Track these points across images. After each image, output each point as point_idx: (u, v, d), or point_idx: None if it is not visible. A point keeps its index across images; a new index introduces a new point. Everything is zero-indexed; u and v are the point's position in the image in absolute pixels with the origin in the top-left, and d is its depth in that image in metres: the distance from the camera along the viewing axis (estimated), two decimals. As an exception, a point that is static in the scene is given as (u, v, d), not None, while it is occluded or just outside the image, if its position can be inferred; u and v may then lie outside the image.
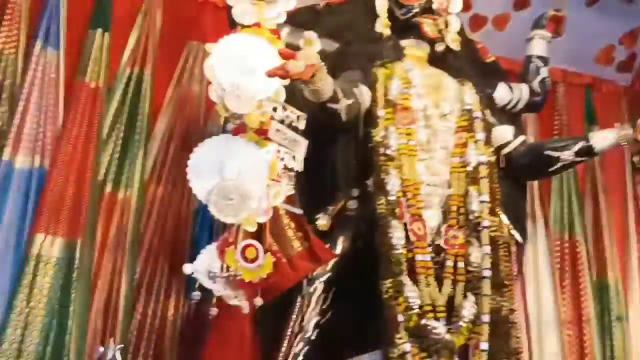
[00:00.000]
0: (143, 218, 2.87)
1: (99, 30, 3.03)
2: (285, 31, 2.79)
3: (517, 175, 2.86)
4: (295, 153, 2.24)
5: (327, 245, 2.55)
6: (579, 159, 2.74)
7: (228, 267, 2.19)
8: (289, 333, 2.40)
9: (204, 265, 2.18)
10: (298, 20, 2.91)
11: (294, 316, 2.43)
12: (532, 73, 3.20)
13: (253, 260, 2.25)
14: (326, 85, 2.20)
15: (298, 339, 2.39)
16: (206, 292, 2.21)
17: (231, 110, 2.33)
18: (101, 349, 2.22)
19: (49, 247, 2.65)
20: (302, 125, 2.28)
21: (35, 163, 2.76)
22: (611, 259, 3.77)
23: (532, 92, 3.15)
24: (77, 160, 2.79)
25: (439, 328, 2.29)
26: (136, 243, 2.81)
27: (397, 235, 2.38)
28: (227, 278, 2.19)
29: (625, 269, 3.86)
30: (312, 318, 2.42)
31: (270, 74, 2.00)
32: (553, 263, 3.63)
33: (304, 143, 2.24)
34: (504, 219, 2.72)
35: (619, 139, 2.66)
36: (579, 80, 4.19)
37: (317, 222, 2.58)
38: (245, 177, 2.28)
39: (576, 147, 2.72)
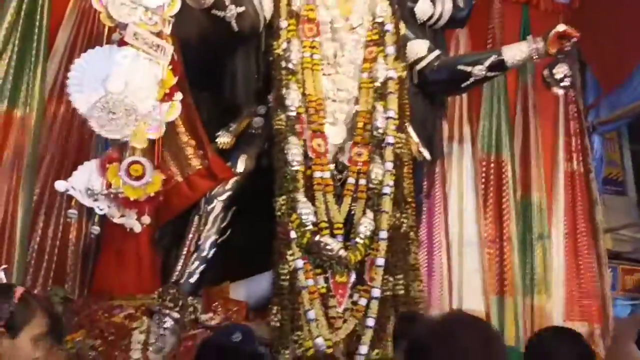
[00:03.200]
0: (42, 138, 2.74)
1: None
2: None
3: (431, 90, 2.79)
4: (159, 59, 2.11)
5: (228, 164, 2.48)
6: (491, 73, 2.67)
7: (110, 184, 2.11)
8: (184, 252, 2.36)
9: (82, 182, 2.08)
10: None
11: (190, 235, 2.38)
12: (455, -14, 3.08)
13: (139, 178, 2.16)
14: (207, -10, 2.07)
15: (194, 257, 2.35)
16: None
17: (116, 19, 2.18)
18: (-16, 270, 2.14)
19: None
20: (168, 30, 2.15)
21: None
22: (537, 179, 3.77)
23: (456, 7, 3.04)
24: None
25: (333, 244, 2.26)
26: (35, 164, 2.69)
27: (293, 152, 2.31)
28: (109, 196, 2.10)
29: (552, 188, 3.87)
30: (209, 237, 2.38)
31: None
32: (478, 182, 3.62)
33: (169, 49, 2.12)
34: (414, 136, 2.66)
35: (531, 52, 2.58)
36: (514, -4, 4.06)
37: (217, 140, 2.49)
38: (132, 91, 2.16)
39: (488, 62, 2.63)
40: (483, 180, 3.65)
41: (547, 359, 1.55)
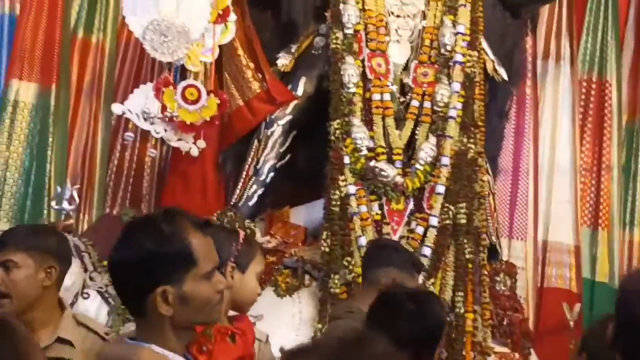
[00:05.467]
0: (117, 63, 2.81)
1: None
2: None
3: (512, 2, 2.52)
4: None
5: (289, 87, 2.42)
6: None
7: (165, 108, 2.13)
8: (243, 175, 2.37)
9: (138, 105, 2.12)
10: None
11: (249, 159, 2.38)
12: None
13: (194, 102, 2.16)
14: None
15: (252, 181, 2.36)
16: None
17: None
18: (59, 189, 2.28)
19: (24, 93, 2.68)
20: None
21: (6, 9, 2.72)
22: (647, 101, 3.36)
23: None
24: (47, 5, 2.72)
25: (388, 170, 2.16)
26: (112, 87, 2.79)
27: (349, 73, 2.19)
28: (164, 119, 2.13)
29: (666, 113, 3.44)
30: (267, 161, 2.36)
31: None
32: (576, 106, 3.29)
33: None
34: (489, 53, 2.44)
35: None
36: None
37: (277, 62, 2.42)
38: (184, 13, 2.13)
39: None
40: (582, 103, 3.31)
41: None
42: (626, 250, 3.25)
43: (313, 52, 2.43)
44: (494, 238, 2.50)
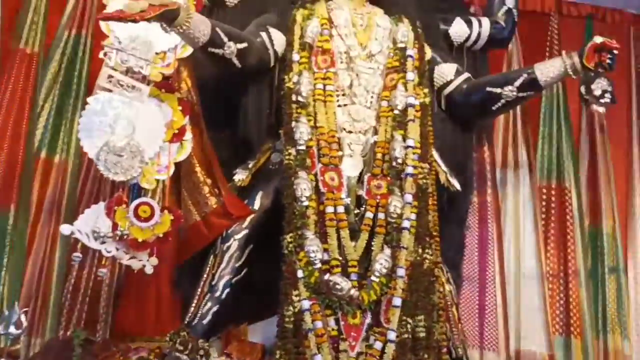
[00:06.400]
0: (80, 183, 2.84)
1: (36, -7, 3.00)
2: (204, -21, 2.66)
3: (461, 115, 2.62)
4: (136, 100, 2.11)
5: (246, 201, 2.44)
6: (523, 93, 2.46)
7: (117, 226, 2.12)
8: (198, 292, 2.32)
9: (88, 224, 2.11)
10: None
11: (204, 275, 2.34)
12: (497, 4, 2.91)
13: (147, 219, 2.16)
14: (196, 27, 2.05)
15: (207, 298, 2.30)
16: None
17: (129, 64, 2.23)
18: (6, 312, 2.21)
19: (-18, 215, 2.68)
20: (147, 71, 2.15)
21: (-31, 128, 2.79)
22: (608, 206, 3.42)
23: (495, 26, 2.87)
24: (11, 125, 2.79)
25: (343, 283, 2.13)
26: (72, 207, 2.79)
27: (302, 187, 2.22)
28: (115, 238, 2.11)
29: (627, 216, 3.50)
30: (223, 276, 2.33)
31: (105, 17, 1.88)
32: (538, 212, 3.33)
33: (145, 90, 2.11)
34: (441, 164, 2.50)
35: (566, 68, 2.36)
36: (576, 10, 3.77)
37: (234, 178, 2.46)
38: (140, 133, 2.19)
39: (519, 81, 2.44)
40: (544, 210, 3.36)
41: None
42: (602, 358, 3.18)
43: (270, 167, 2.48)
44: (460, 350, 2.43)
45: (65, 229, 2.15)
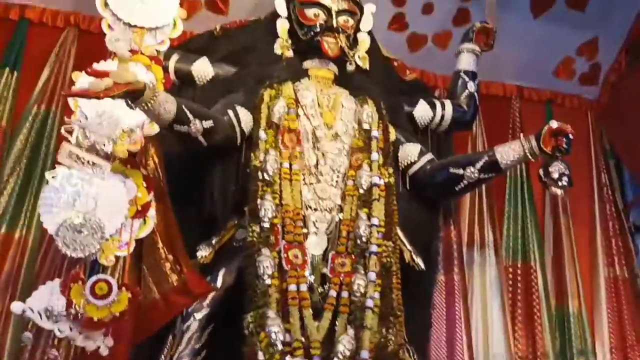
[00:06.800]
0: (39, 258, 2.77)
1: (7, 69, 3.03)
2: (174, 58, 2.73)
3: (426, 195, 2.65)
4: (96, 177, 2.10)
5: (208, 279, 2.40)
6: (485, 175, 2.51)
7: (72, 304, 2.05)
8: (155, 375, 2.23)
9: (41, 302, 2.05)
10: (194, 46, 2.84)
11: (162, 356, 2.26)
12: (459, 88, 3.02)
13: (104, 297, 2.10)
14: (161, 105, 2.08)
15: (164, 381, 2.22)
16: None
17: (94, 139, 2.24)
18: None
19: None
20: (109, 148, 2.16)
21: None
22: (573, 286, 3.44)
23: (458, 109, 2.97)
24: (-28, 202, 2.75)
25: (304, 367, 2.07)
26: (30, 283, 2.70)
27: (264, 265, 2.20)
28: (69, 316, 2.04)
29: (592, 297, 3.52)
30: (182, 358, 2.25)
31: (70, 94, 1.91)
32: (504, 293, 3.34)
33: (106, 166, 2.11)
34: (406, 243, 2.51)
35: (525, 151, 2.43)
36: (536, 96, 3.94)
37: (197, 254, 2.42)
38: (101, 209, 2.17)
39: (480, 163, 2.49)
40: (510, 289, 3.37)
41: None
42: None
43: (234, 244, 2.45)
44: None
45: (16, 307, 2.07)
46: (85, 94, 1.86)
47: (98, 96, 1.84)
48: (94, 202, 2.17)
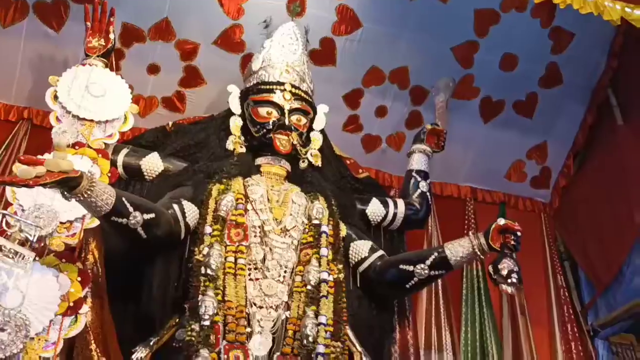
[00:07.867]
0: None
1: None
2: (124, 152, 2.70)
3: (377, 293, 2.58)
4: (17, 267, 1.98)
5: (144, 382, 2.22)
6: (435, 272, 2.46)
7: (-16, 412, 1.86)
8: None
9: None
10: (145, 141, 2.83)
11: None
12: (411, 188, 3.04)
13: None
14: (98, 196, 2.01)
15: None
16: None
17: (24, 229, 2.13)
18: None
19: None
20: (35, 237, 2.06)
21: None
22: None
23: (410, 207, 2.96)
24: None
25: None
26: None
27: (202, 367, 2.05)
28: None
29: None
30: None
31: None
32: (463, 399, 3.19)
33: (29, 257, 2.00)
34: (356, 344, 2.39)
35: (474, 248, 2.40)
36: (490, 197, 3.99)
37: (133, 357, 2.26)
38: (29, 306, 2.03)
39: (430, 260, 2.45)
40: (469, 395, 3.22)
41: None
42: None
43: (174, 344, 2.31)
44: None
45: None
46: (14, 182, 1.78)
47: (27, 184, 1.76)
48: (22, 296, 2.02)
